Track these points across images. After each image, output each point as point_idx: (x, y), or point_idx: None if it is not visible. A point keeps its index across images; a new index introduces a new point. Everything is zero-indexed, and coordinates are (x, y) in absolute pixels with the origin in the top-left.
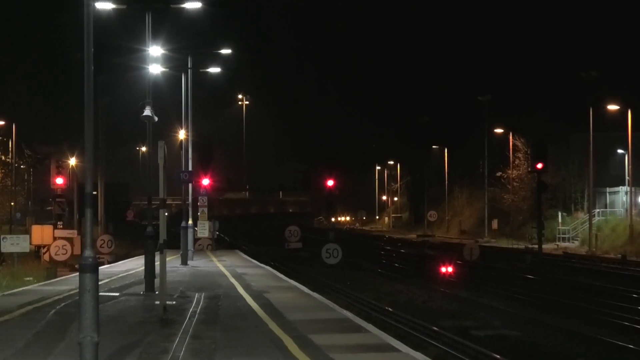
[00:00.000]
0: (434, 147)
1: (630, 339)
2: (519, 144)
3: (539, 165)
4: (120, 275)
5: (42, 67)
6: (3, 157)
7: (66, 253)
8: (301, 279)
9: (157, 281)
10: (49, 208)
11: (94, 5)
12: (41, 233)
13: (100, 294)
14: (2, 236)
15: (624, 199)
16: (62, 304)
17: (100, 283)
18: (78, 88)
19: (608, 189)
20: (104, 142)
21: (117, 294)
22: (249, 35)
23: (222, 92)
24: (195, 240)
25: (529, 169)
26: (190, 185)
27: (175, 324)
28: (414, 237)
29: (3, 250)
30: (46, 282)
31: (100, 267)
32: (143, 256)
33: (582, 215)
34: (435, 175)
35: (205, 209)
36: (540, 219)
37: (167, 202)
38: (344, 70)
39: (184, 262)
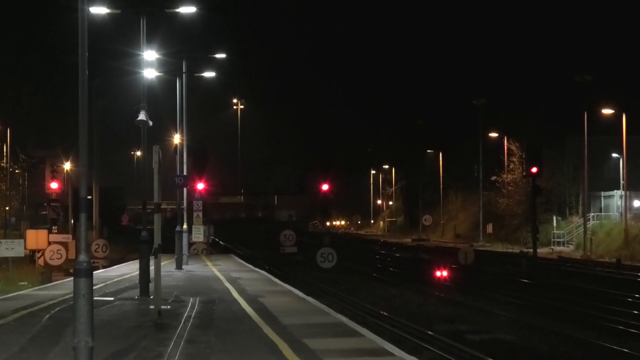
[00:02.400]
0: (428, 151)
1: (625, 342)
2: (513, 147)
3: (534, 170)
4: (115, 279)
5: (37, 70)
6: None
7: (61, 257)
8: (296, 283)
9: (151, 285)
10: (44, 212)
11: (88, 9)
12: (36, 237)
13: (95, 298)
14: None
15: (619, 202)
16: (57, 309)
17: (94, 287)
18: (73, 91)
19: (603, 193)
20: (98, 146)
21: (112, 299)
22: (244, 39)
23: (217, 96)
24: (190, 244)
25: (524, 173)
26: (185, 189)
27: (170, 328)
28: (409, 241)
29: None
30: (41, 286)
31: (94, 272)
32: (138, 260)
33: (576, 219)
34: (430, 179)
35: (200, 213)
36: (535, 223)
37: (162, 207)
38: (338, 73)
39: (179, 266)
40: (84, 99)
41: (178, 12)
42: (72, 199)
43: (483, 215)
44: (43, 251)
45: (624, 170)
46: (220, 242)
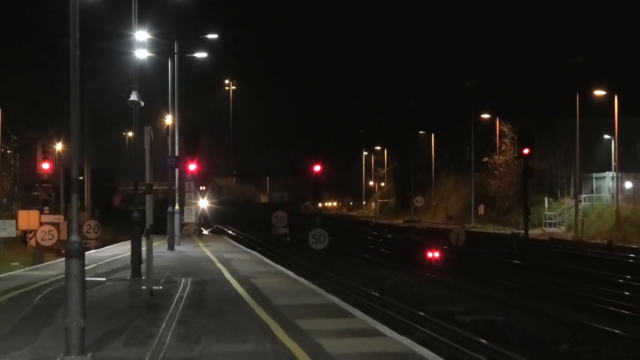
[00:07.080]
0: (420, 132)
1: (616, 324)
2: (505, 129)
3: (526, 151)
4: (107, 260)
5: (29, 51)
6: None
7: (52, 238)
8: (288, 264)
9: (143, 266)
10: (36, 193)
11: None
12: (28, 218)
13: (87, 279)
14: None
15: (611, 184)
16: (49, 289)
17: (86, 268)
18: (65, 73)
19: (594, 175)
20: (90, 127)
21: (104, 279)
22: (236, 21)
23: (209, 78)
24: (182, 225)
25: (516, 155)
26: (176, 170)
27: (161, 309)
28: (400, 223)
29: None
30: (32, 267)
31: (86, 252)
32: (129, 241)
33: (568, 201)
34: (422, 160)
35: (192, 194)
36: (527, 205)
37: (154, 188)
38: (331, 56)
39: (171, 247)
40: (75, 80)
41: None
42: (64, 180)
43: (475, 197)
44: (35, 232)
45: (616, 152)
46: (213, 224)
